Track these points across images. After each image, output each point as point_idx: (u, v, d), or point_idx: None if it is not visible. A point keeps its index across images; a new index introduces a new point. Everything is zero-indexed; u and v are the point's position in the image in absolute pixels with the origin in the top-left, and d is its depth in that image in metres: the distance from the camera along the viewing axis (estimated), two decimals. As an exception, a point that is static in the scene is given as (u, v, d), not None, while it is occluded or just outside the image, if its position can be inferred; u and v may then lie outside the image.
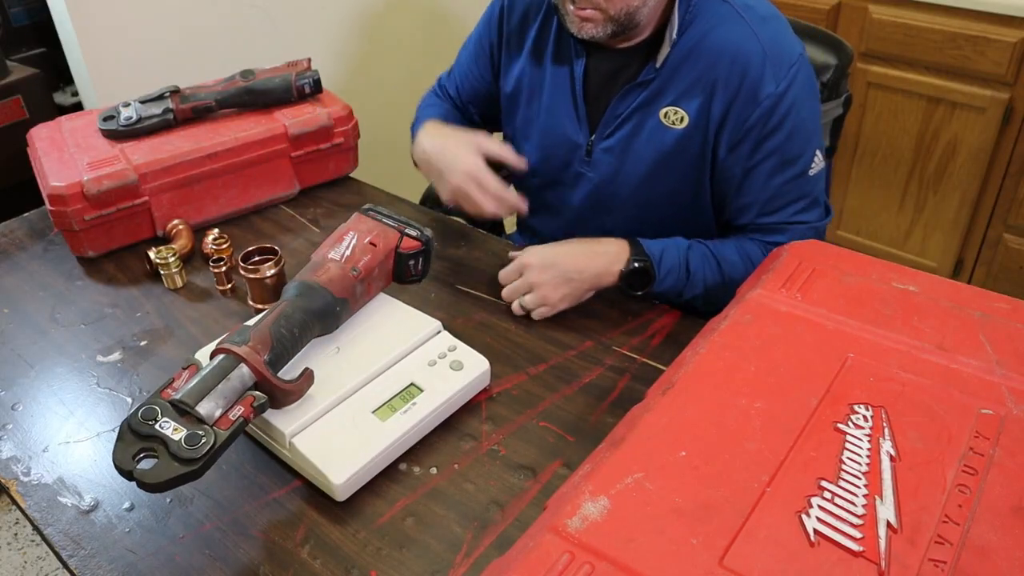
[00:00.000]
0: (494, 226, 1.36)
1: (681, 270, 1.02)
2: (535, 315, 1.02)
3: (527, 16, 1.12)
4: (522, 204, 1.06)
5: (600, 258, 1.02)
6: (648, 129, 1.04)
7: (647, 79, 1.02)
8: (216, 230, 1.19)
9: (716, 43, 0.98)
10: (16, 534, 1.80)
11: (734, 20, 0.99)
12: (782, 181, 1.01)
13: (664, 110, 1.02)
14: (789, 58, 0.98)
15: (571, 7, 0.98)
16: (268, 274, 1.03)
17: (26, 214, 1.32)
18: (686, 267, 1.02)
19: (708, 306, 1.01)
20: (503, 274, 1.05)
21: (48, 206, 1.15)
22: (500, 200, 1.03)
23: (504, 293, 1.05)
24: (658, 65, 1.00)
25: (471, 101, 1.26)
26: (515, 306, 1.03)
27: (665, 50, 1.00)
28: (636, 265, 1.00)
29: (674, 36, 0.99)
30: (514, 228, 1.40)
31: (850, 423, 0.66)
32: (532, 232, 1.29)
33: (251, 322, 0.83)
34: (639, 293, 1.03)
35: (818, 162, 1.02)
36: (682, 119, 1.01)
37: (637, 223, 1.10)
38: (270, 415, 0.81)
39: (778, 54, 0.98)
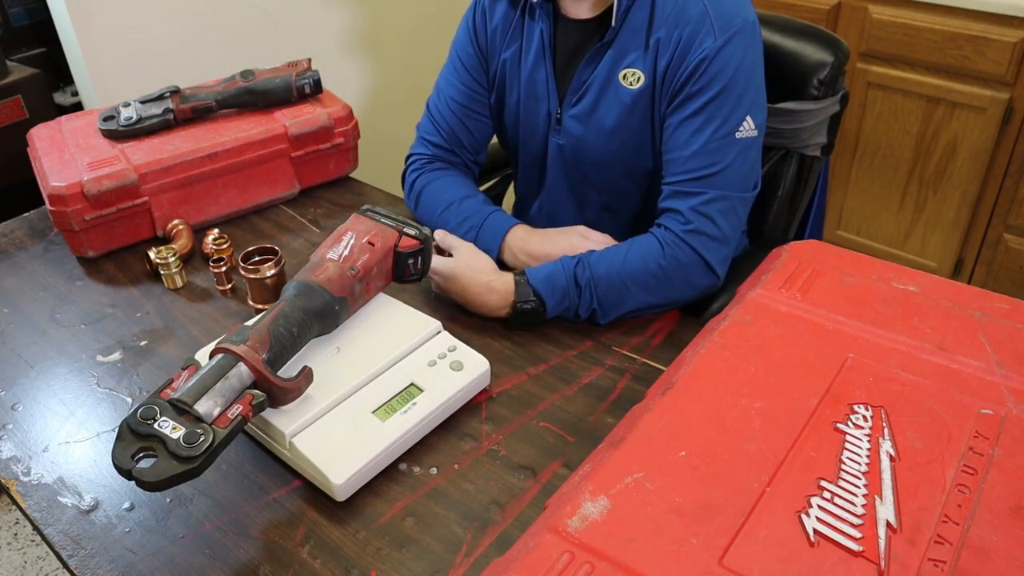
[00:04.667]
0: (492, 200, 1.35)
1: (570, 289, 1.00)
2: None
3: (506, 10, 1.15)
4: None
5: (492, 296, 1.02)
6: (610, 93, 1.07)
7: (608, 41, 1.05)
8: (216, 230, 1.19)
9: (664, 4, 1.02)
10: (16, 534, 1.80)
11: None
12: (706, 138, 1.01)
13: (623, 72, 1.05)
14: (732, 20, 1.00)
15: None
16: (268, 274, 1.03)
17: (26, 214, 1.32)
18: (574, 283, 1.00)
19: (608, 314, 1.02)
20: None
21: (48, 206, 1.15)
22: None
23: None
24: (613, 23, 1.03)
25: (463, 125, 1.22)
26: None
27: (616, 3, 1.02)
28: (519, 306, 1.00)
29: None
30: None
31: (850, 423, 0.66)
32: (522, 206, 1.32)
33: (250, 322, 0.84)
34: (531, 326, 1.03)
35: (748, 128, 1.02)
36: (639, 79, 1.05)
37: (607, 195, 1.15)
38: (270, 415, 0.81)
39: (720, 15, 1.00)
